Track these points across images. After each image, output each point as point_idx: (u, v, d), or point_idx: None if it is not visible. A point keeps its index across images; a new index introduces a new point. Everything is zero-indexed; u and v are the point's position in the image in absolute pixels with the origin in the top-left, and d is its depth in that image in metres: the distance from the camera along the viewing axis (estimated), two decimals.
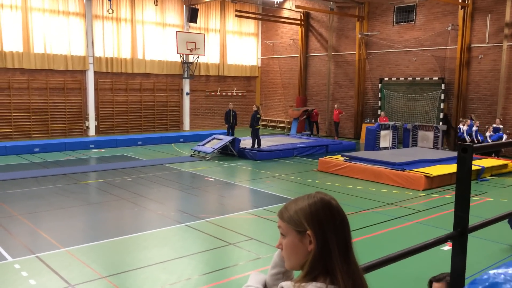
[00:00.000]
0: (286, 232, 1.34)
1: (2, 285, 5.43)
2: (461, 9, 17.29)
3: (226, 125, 17.71)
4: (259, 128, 15.66)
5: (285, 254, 1.36)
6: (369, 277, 1.42)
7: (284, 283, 1.29)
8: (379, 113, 19.29)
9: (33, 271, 5.78)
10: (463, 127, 15.99)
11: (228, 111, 17.70)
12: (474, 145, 1.87)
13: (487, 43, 16.97)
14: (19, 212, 8.45)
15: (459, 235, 1.95)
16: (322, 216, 1.30)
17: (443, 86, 18.02)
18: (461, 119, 16.89)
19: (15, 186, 10.59)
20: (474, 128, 15.84)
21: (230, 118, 17.52)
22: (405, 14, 19.45)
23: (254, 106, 16.46)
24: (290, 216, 1.33)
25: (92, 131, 19.74)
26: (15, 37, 17.67)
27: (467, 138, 15.64)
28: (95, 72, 19.69)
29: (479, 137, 15.77)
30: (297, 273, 1.48)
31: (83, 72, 19.50)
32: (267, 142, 16.79)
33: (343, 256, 1.28)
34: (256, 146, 15.39)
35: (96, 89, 19.79)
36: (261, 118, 16.89)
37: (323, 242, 1.28)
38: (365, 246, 6.79)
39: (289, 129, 22.88)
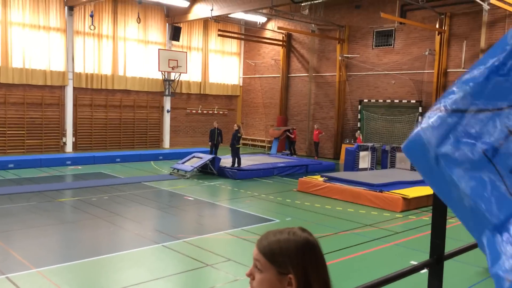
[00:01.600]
0: (265, 268, 1.29)
1: None
2: (438, 34, 17.80)
3: (210, 143, 17.61)
4: (239, 147, 15.65)
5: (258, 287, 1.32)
6: None
7: None
8: (356, 135, 19.54)
9: None
10: None
11: (213, 129, 17.61)
12: None
13: (463, 68, 17.45)
14: None
15: (435, 263, 1.95)
16: (307, 260, 1.26)
17: (420, 109, 18.39)
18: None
19: None
20: None
21: (214, 136, 17.43)
22: (384, 38, 19.91)
23: (235, 125, 16.47)
24: (273, 254, 1.28)
25: (69, 148, 19.41)
26: None
27: None
28: (74, 88, 19.47)
29: None
30: None
31: (62, 88, 19.27)
32: (248, 161, 16.76)
33: None
34: (236, 165, 15.35)
35: (74, 105, 19.54)
36: (242, 137, 16.88)
37: (304, 286, 1.24)
38: (343, 269, 6.77)
39: (270, 148, 22.93)
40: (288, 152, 21.29)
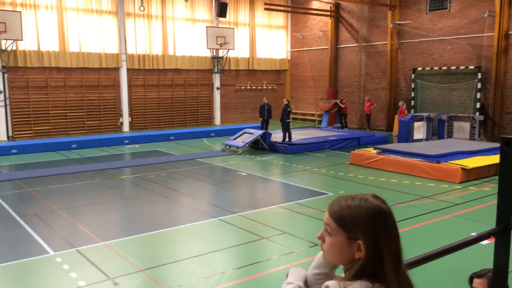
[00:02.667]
0: (335, 232, 1.30)
1: (45, 278, 5.65)
2: None
3: (260, 119, 17.67)
4: (289, 121, 15.61)
5: (328, 250, 1.33)
6: None
7: (329, 282, 1.27)
8: (400, 104, 18.92)
9: (74, 264, 5.99)
10: None
11: (263, 104, 17.60)
12: None
13: None
14: (59, 207, 8.74)
15: (502, 231, 1.89)
16: (378, 228, 1.26)
17: (479, 75, 17.44)
18: None
19: (55, 181, 10.97)
20: None
21: (264, 112, 17.43)
22: (439, 1, 18.88)
23: (284, 99, 16.40)
24: (343, 219, 1.28)
25: (126, 127, 20.18)
26: (51, 36, 18.21)
27: None
28: (128, 69, 20.08)
29: None
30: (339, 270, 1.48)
31: (117, 70, 19.92)
32: (298, 135, 16.72)
33: (393, 268, 1.25)
34: (287, 139, 15.36)
35: (129, 86, 20.19)
36: (292, 111, 16.80)
37: (374, 252, 1.25)
38: (401, 240, 6.68)
39: (320, 122, 22.70)
40: (339, 125, 20.99)
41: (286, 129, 15.38)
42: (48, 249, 6.53)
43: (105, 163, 13.40)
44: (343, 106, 20.48)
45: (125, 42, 19.87)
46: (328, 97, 23.00)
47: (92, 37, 19.06)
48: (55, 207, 8.72)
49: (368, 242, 1.25)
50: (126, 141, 17.41)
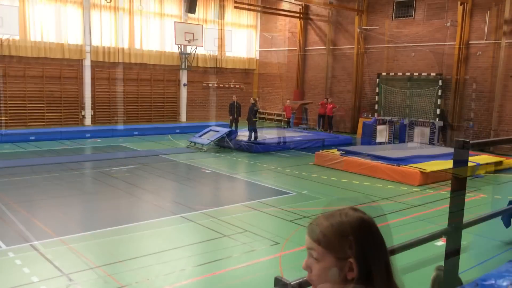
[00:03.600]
0: (322, 257, 1.20)
1: None
2: (461, 5, 17.25)
3: (230, 117, 17.58)
4: (256, 120, 15.64)
5: (318, 280, 1.22)
6: None
7: None
8: (377, 109, 19.27)
9: (27, 260, 5.77)
10: None
11: (232, 103, 17.50)
12: (472, 142, 1.87)
13: (486, 40, 16.97)
14: (14, 201, 8.42)
15: (454, 231, 1.95)
16: (365, 241, 1.18)
17: (440, 82, 18.02)
18: None
19: (10, 174, 10.55)
20: None
21: (234, 110, 17.36)
22: (405, 9, 19.39)
23: (251, 99, 16.41)
24: (329, 240, 1.19)
25: (88, 121, 19.65)
26: (12, 24, 17.50)
27: None
28: (92, 62, 19.56)
29: None
30: None
31: (80, 61, 19.37)
32: (264, 135, 16.77)
33: (385, 282, 1.20)
34: (253, 138, 15.38)
35: (92, 79, 19.67)
36: (259, 111, 16.83)
37: (365, 269, 1.17)
38: None
39: (286, 122, 22.85)
40: (305, 126, 21.17)
41: (252, 128, 15.40)
42: (0, 243, 6.27)
43: (64, 156, 13.01)
44: (329, 107, 20.29)
45: (90, 33, 19.35)
46: (295, 98, 23.19)
47: (55, 27, 18.46)
48: (10, 201, 8.39)
49: (359, 258, 1.17)
50: (88, 135, 16.97)
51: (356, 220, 1.21)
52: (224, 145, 15.39)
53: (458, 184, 1.85)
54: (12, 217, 7.50)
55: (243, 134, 15.89)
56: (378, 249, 1.20)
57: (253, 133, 15.41)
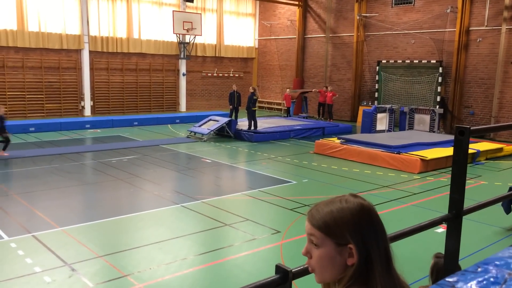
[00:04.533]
0: (322, 242, 1.20)
1: None
2: None
3: (230, 106, 17.54)
4: (255, 109, 15.60)
5: (318, 266, 1.23)
6: None
7: None
8: (377, 96, 19.19)
9: (29, 250, 5.80)
10: None
11: (232, 92, 17.43)
12: (472, 128, 1.87)
13: (486, 26, 16.86)
14: (15, 192, 8.44)
15: (454, 217, 1.96)
16: (365, 226, 1.19)
17: (440, 69, 17.96)
18: None
19: (11, 165, 10.56)
20: None
21: (234, 99, 17.30)
22: None
23: (250, 87, 16.36)
24: (329, 225, 1.20)
25: (87, 111, 19.62)
26: (9, 15, 17.39)
27: None
28: (90, 52, 19.47)
29: None
30: None
31: (78, 51, 19.28)
32: (264, 123, 16.76)
33: (385, 268, 1.20)
34: (252, 128, 15.36)
35: (91, 69, 19.60)
36: (258, 99, 16.78)
37: (365, 255, 1.18)
38: None
39: (286, 110, 22.80)
40: (305, 114, 21.13)
41: (251, 117, 15.38)
42: (2, 234, 6.30)
43: (64, 147, 13.00)
44: (329, 95, 20.20)
45: (88, 23, 19.23)
46: (295, 86, 23.12)
47: (53, 17, 18.33)
48: (11, 192, 8.41)
49: (359, 243, 1.18)
50: (88, 126, 16.95)
51: (356, 206, 1.21)
52: (224, 134, 15.38)
53: (459, 171, 1.84)
54: (14, 208, 7.53)
55: (243, 123, 15.87)
56: (377, 235, 1.21)
57: (253, 122, 15.39)
